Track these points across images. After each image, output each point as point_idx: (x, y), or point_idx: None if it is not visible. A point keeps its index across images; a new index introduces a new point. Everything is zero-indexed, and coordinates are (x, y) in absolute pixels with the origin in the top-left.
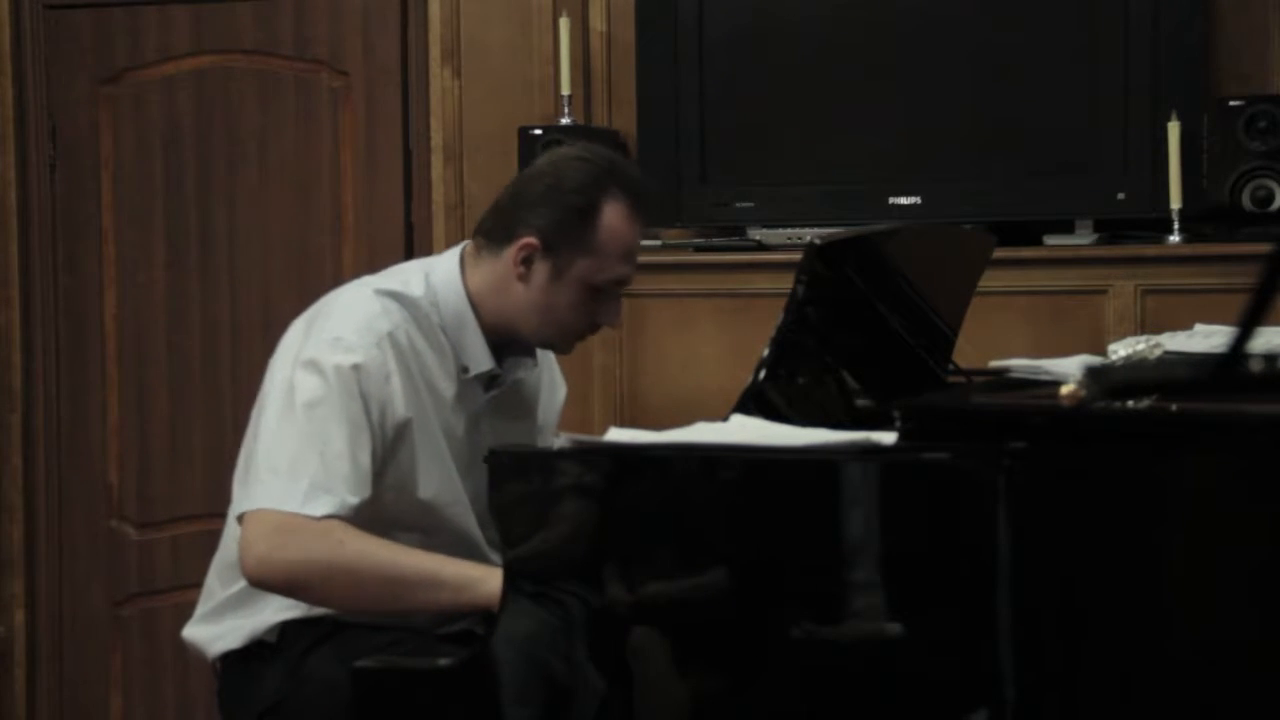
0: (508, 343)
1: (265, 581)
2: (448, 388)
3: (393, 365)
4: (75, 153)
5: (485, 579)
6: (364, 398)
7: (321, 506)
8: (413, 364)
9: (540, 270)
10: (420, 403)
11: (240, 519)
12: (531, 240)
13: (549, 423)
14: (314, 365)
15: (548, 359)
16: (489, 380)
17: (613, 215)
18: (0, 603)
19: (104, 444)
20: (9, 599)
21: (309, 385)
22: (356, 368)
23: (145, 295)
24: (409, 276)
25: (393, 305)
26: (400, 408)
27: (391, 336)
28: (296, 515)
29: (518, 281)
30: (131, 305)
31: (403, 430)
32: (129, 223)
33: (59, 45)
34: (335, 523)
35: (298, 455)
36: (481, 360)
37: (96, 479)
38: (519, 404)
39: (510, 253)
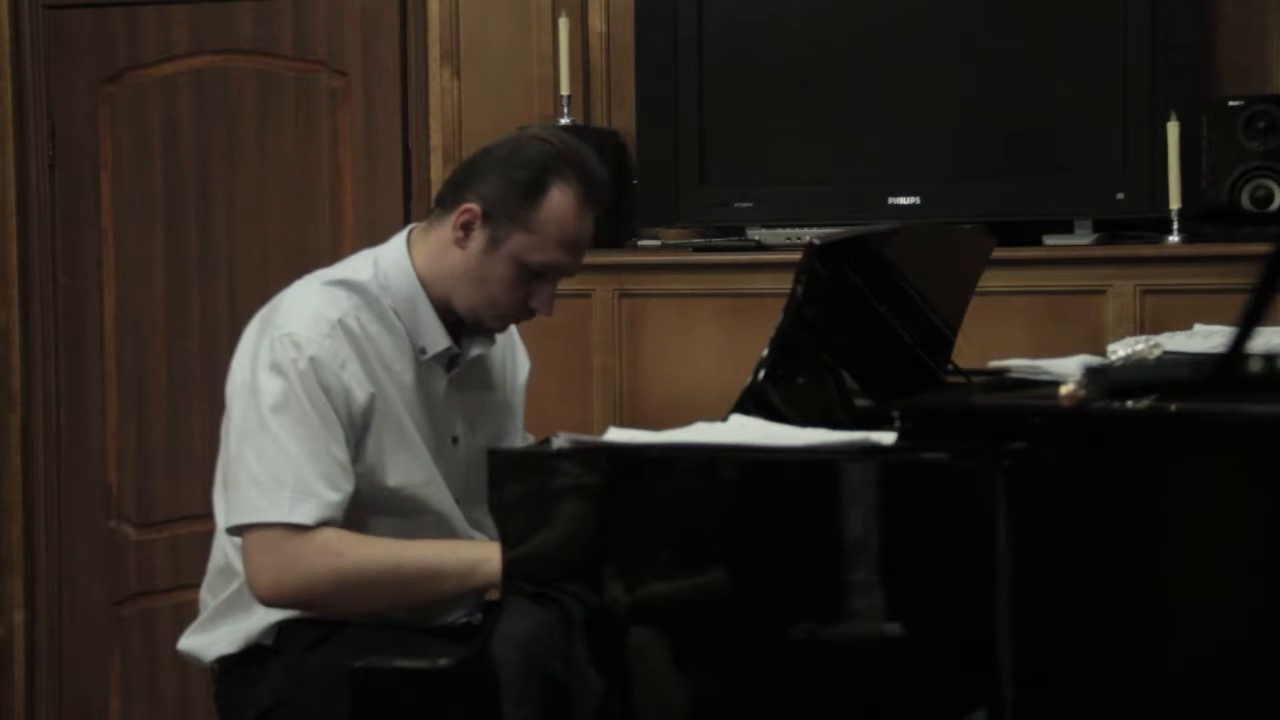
0: (459, 319)
1: (278, 604)
2: (406, 370)
3: (347, 352)
4: (75, 153)
5: (486, 559)
6: (326, 390)
7: (308, 512)
8: (367, 348)
9: (477, 238)
10: (380, 386)
11: (237, 533)
12: (473, 206)
13: (516, 401)
14: (274, 367)
15: (509, 334)
16: (449, 360)
17: (559, 197)
18: (0, 603)
19: (104, 444)
20: (9, 599)
21: (272, 389)
22: (313, 360)
23: (145, 295)
24: (357, 264)
25: (340, 293)
26: (360, 394)
27: (342, 323)
28: (292, 533)
29: (454, 247)
30: (131, 305)
31: (366, 415)
32: (129, 223)
33: (59, 45)
34: (331, 533)
35: (275, 463)
36: (437, 340)
37: (96, 479)
38: (484, 379)
39: (452, 218)
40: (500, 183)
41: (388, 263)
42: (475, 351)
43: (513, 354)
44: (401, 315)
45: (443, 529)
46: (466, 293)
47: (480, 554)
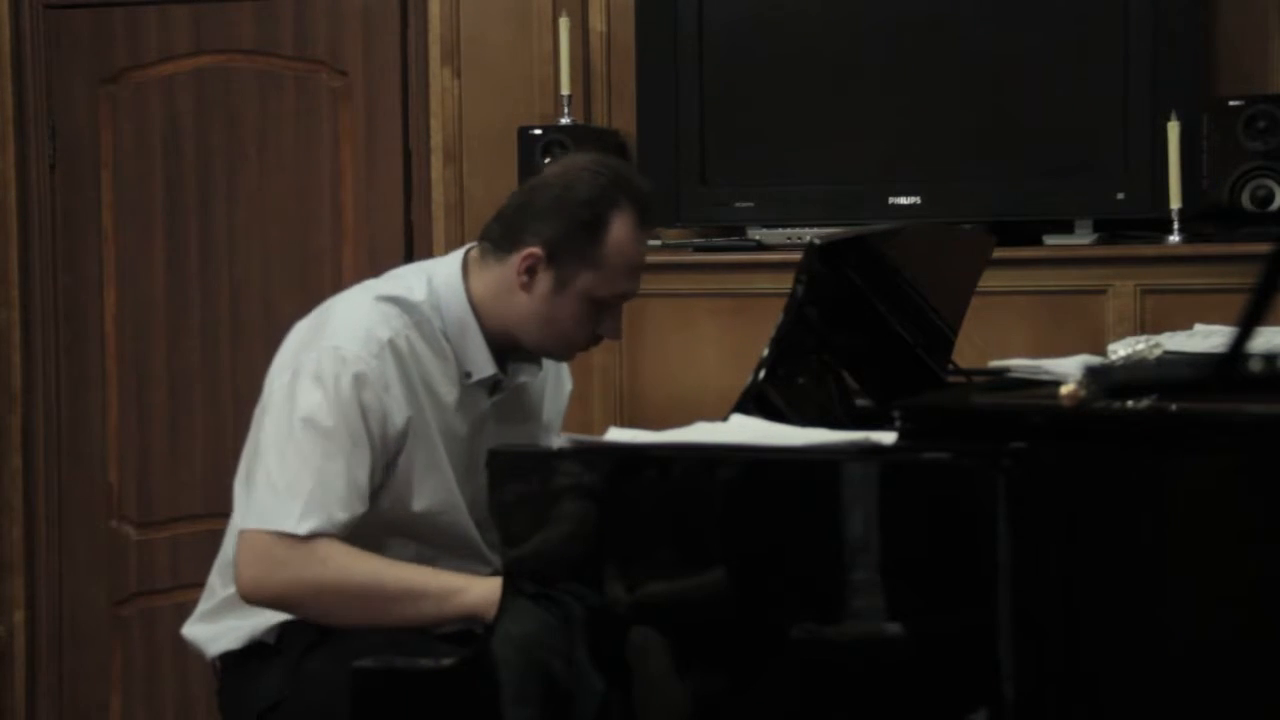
0: (511, 348)
1: (257, 603)
2: (449, 392)
3: (392, 374)
4: (75, 153)
5: (467, 588)
6: (364, 411)
7: (312, 527)
8: (413, 370)
9: (543, 281)
10: (420, 409)
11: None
12: (536, 250)
13: (555, 419)
14: (315, 378)
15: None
16: (493, 385)
17: (620, 231)
18: (0, 603)
19: (104, 444)
20: (9, 599)
21: (310, 400)
22: (357, 378)
23: (145, 295)
24: (411, 281)
25: (393, 311)
26: (399, 418)
27: (392, 344)
28: (286, 537)
29: (520, 291)
30: (131, 305)
31: (400, 440)
32: (129, 223)
33: (59, 45)
34: (323, 541)
35: (295, 473)
36: (484, 366)
37: (96, 479)
38: (523, 407)
39: (514, 261)
40: (559, 223)
41: (441, 284)
42: (521, 379)
43: (557, 375)
44: (451, 338)
45: (462, 553)
46: (535, 332)
47: (461, 583)
